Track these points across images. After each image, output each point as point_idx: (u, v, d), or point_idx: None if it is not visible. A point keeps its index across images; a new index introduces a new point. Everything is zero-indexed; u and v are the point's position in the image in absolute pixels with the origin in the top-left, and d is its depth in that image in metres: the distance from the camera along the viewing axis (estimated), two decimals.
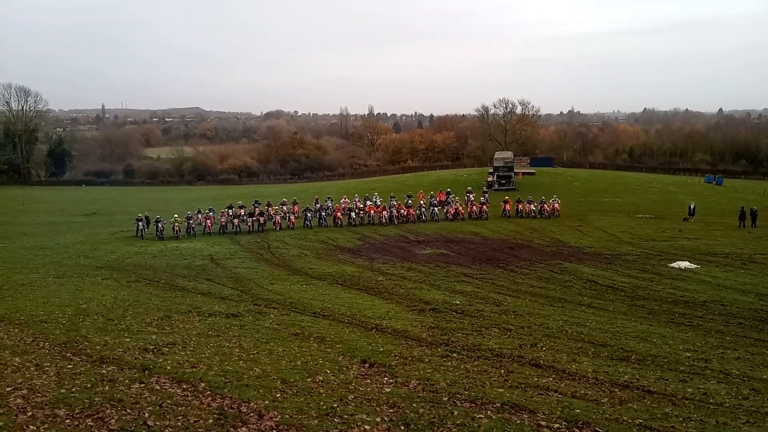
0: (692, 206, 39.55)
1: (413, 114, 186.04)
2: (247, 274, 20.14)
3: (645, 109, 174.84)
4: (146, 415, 6.32)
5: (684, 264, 21.48)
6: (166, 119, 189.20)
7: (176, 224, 31.00)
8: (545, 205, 37.51)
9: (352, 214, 35.04)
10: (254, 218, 33.88)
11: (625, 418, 6.62)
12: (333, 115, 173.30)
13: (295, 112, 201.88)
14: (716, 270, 20.52)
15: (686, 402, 7.59)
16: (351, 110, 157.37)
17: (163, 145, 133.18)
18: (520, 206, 38.44)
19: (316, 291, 16.99)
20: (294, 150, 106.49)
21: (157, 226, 31.17)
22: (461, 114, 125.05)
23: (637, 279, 19.01)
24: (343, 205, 38.59)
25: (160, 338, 10.28)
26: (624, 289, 17.42)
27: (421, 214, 36.61)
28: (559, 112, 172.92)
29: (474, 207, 37.17)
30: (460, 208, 37.01)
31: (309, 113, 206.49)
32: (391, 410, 6.75)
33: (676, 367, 9.55)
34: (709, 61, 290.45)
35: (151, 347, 9.50)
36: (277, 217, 34.42)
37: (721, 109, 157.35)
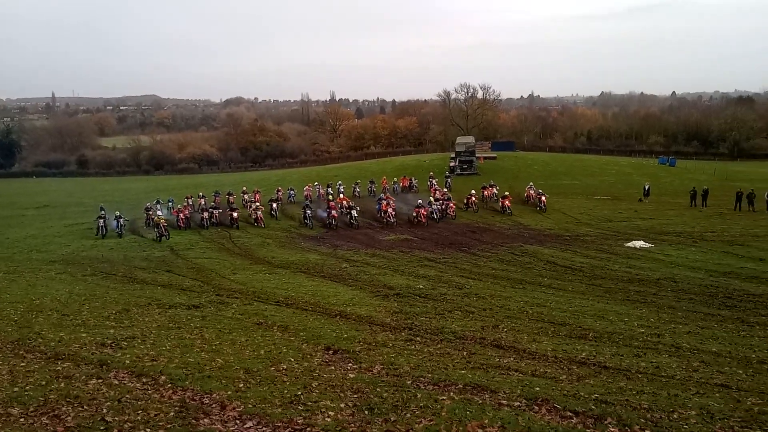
0: (647, 187, 40.82)
1: (376, 100, 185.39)
2: (209, 264, 19.84)
3: (602, 92, 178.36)
4: (104, 410, 6.18)
5: (639, 243, 22.15)
6: (121, 107, 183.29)
7: (162, 222, 26.31)
8: (531, 193, 35.63)
9: (354, 212, 28.77)
10: (227, 212, 31.00)
11: (582, 394, 6.82)
12: (294, 101, 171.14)
13: (256, 98, 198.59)
14: (669, 248, 21.23)
15: (640, 376, 7.86)
16: (312, 96, 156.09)
17: (118, 134, 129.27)
18: (486, 192, 36.98)
19: (280, 280, 16.87)
20: (255, 137, 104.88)
21: (117, 222, 27.78)
22: (423, 99, 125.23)
23: (595, 259, 19.51)
24: (340, 200, 34.51)
25: (119, 332, 10.05)
26: (582, 270, 17.86)
27: (432, 213, 29.74)
28: (519, 97, 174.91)
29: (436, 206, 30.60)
30: (452, 204, 31.17)
31: (270, 100, 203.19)
32: (355, 395, 6.78)
33: (630, 343, 9.88)
34: (663, 45, 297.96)
35: (109, 342, 9.29)
36: (259, 213, 30.64)
37: (674, 92, 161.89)
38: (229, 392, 6.78)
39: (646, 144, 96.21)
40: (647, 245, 21.85)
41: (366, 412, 6.14)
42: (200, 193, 40.33)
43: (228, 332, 10.34)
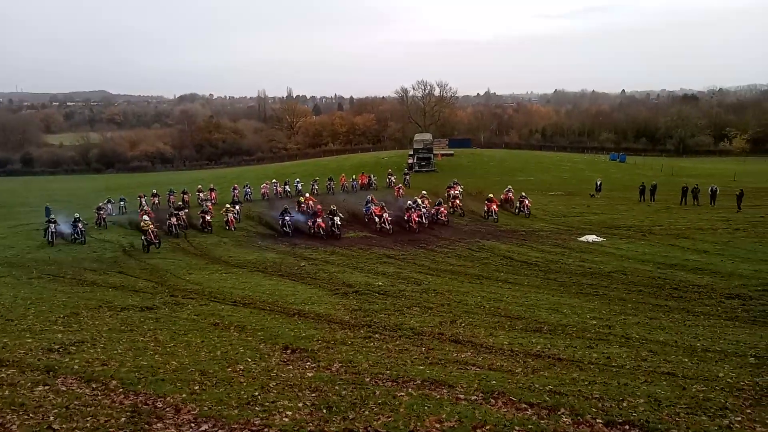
0: (599, 183, 42.09)
1: (333, 96, 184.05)
2: (163, 264, 19.36)
3: (556, 90, 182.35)
4: (51, 418, 5.95)
5: (592, 237, 22.79)
6: (68, 103, 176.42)
7: (150, 228, 22.75)
8: (510, 196, 32.70)
9: (337, 219, 24.68)
10: (199, 213, 27.98)
11: (537, 386, 6.96)
12: (250, 97, 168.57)
13: (211, 95, 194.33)
14: (620, 242, 21.92)
15: (592, 366, 8.08)
16: (269, 93, 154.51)
17: (65, 131, 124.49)
18: (451, 191, 33.51)
19: (237, 279, 16.61)
20: (210, 134, 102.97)
21: (75, 228, 25.02)
22: (381, 96, 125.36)
23: (550, 254, 19.96)
24: (306, 200, 32.18)
25: (67, 337, 9.69)
26: (538, 264, 18.25)
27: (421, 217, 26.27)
28: (476, 94, 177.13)
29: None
30: (443, 208, 27.87)
31: (225, 96, 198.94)
32: (314, 394, 6.74)
33: (583, 335, 10.15)
34: (613, 44, 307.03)
35: (57, 347, 8.94)
36: (230, 215, 27.96)
37: (623, 90, 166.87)
38: (184, 395, 6.63)
39: (598, 141, 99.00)
40: (599, 239, 22.49)
41: (324, 411, 6.11)
42: (153, 191, 39.36)
43: (183, 334, 10.11)
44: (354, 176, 46.24)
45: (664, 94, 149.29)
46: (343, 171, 50.61)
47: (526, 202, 29.72)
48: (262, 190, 42.23)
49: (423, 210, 26.32)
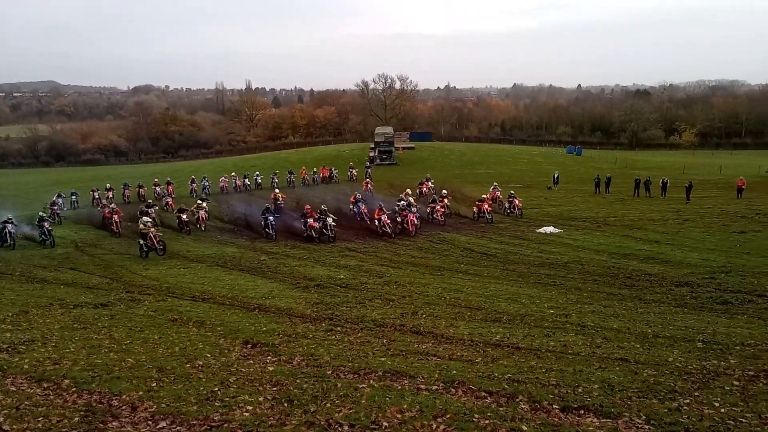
0: (556, 175, 43.04)
1: (293, 89, 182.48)
2: (118, 260, 18.85)
3: (515, 84, 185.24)
4: (1, 419, 5.73)
5: (549, 229, 23.29)
6: (15, 94, 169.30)
7: (152, 231, 19.58)
8: (498, 194, 30.60)
9: (329, 220, 22.07)
10: (176, 214, 25.83)
11: (496, 374, 7.09)
12: (208, 89, 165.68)
13: (167, 86, 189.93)
14: (576, 233, 22.48)
15: (549, 354, 8.28)
16: (227, 85, 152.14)
17: (12, 123, 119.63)
18: (424, 188, 33.05)
19: (195, 274, 16.31)
20: (166, 127, 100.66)
21: (41, 228, 22.37)
22: (342, 89, 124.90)
23: (509, 245, 20.31)
24: (274, 196, 30.51)
25: (16, 336, 9.33)
26: (497, 255, 18.54)
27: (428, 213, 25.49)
28: (436, 87, 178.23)
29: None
30: (438, 207, 25.95)
31: (182, 88, 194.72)
32: (275, 388, 6.69)
33: (541, 324, 10.38)
34: (570, 40, 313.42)
35: (5, 346, 8.60)
36: (201, 213, 25.88)
37: (579, 85, 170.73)
38: (141, 392, 6.48)
39: (555, 134, 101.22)
40: (557, 230, 23.01)
41: (285, 405, 6.07)
42: (107, 185, 38.24)
43: (139, 330, 9.87)
44: (315, 169, 46.01)
45: (618, 89, 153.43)
46: (303, 164, 50.31)
47: (516, 202, 27.71)
48: (221, 184, 41.56)
49: (414, 210, 23.92)
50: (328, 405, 6.01)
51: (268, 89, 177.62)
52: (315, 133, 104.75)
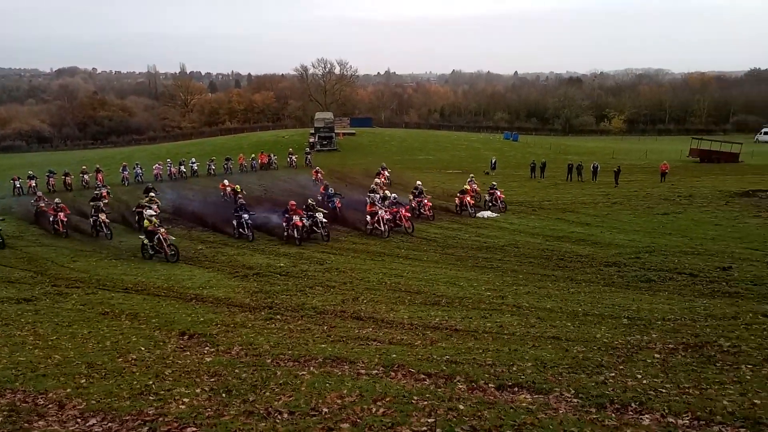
0: (494, 161, 44.04)
1: (230, 73, 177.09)
2: (43, 252, 17.91)
3: (454, 70, 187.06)
4: None
5: (487, 213, 23.85)
6: None
7: (162, 232, 16.60)
8: (475, 187, 27.50)
9: (320, 215, 19.27)
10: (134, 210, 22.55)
11: (435, 356, 7.23)
12: (139, 73, 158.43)
13: (94, 69, 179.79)
14: (513, 217, 23.13)
15: (486, 335, 8.52)
16: (160, 68, 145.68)
17: None
18: (380, 178, 30.19)
19: (128, 265, 15.72)
20: (94, 112, 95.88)
21: None
22: (281, 74, 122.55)
23: (448, 230, 20.66)
24: (223, 186, 27.97)
25: None
26: (436, 240, 18.83)
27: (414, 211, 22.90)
28: (376, 73, 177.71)
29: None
30: (426, 200, 23.66)
31: (110, 71, 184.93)
32: (212, 379, 6.57)
33: (478, 306, 10.65)
34: (507, 28, 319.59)
35: None
36: (155, 211, 19.68)
37: (516, 72, 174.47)
38: (69, 390, 6.22)
39: (493, 120, 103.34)
40: (494, 215, 23.60)
41: (223, 395, 5.98)
42: (30, 173, 36.12)
43: (67, 325, 9.45)
44: (253, 155, 45.06)
45: (552, 77, 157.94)
46: (241, 150, 49.20)
47: (498, 193, 25.32)
48: (155, 171, 40.04)
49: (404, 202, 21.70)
50: (268, 393, 5.97)
51: (203, 73, 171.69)
52: (253, 118, 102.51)
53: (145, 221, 17.40)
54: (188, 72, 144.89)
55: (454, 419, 5.11)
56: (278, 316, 10.13)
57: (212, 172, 40.02)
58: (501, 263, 15.20)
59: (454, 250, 17.17)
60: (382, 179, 30.79)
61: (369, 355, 7.37)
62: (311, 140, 57.91)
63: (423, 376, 6.49)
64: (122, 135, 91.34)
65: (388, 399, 5.71)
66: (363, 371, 6.73)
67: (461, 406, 5.46)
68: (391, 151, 58.82)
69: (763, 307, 9.78)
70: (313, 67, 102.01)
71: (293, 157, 44.88)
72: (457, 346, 7.93)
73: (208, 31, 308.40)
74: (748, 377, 6.14)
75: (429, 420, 5.08)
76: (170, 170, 40.28)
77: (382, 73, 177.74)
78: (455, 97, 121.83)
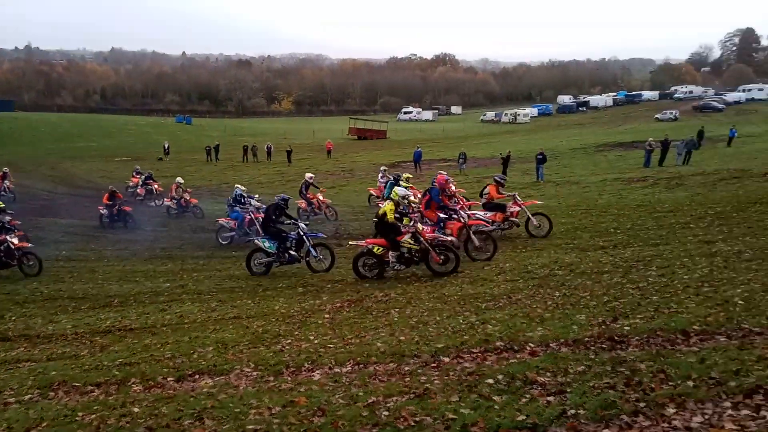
0: (166, 145, 41.92)
1: None
2: None
3: (113, 48, 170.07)
4: None
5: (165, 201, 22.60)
6: None
7: None
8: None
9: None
10: None
11: (106, 363, 6.55)
12: None
13: None
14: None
15: (164, 329, 8.09)
16: None
17: None
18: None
19: None
20: None
21: None
22: None
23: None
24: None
25: None
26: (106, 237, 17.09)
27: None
28: (13, 47, 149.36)
29: None
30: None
31: None
32: None
33: (156, 299, 10.05)
34: (175, 5, 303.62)
35: None
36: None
37: (184, 53, 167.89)
38: None
39: (163, 103, 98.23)
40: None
41: None
42: None
43: None
44: None
45: (222, 58, 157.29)
46: None
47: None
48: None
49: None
50: None
51: None
52: None
53: None
54: None
55: (127, 425, 4.73)
56: None
57: None
58: (180, 251, 14.65)
59: (126, 244, 15.83)
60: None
61: (20, 380, 6.26)
62: None
63: (91, 387, 5.81)
64: None
65: (45, 424, 4.95)
66: (12, 399, 5.69)
67: (136, 409, 5.07)
68: (42, 139, 50.60)
69: None
70: None
71: None
72: (132, 346, 7.34)
73: None
74: (396, 319, 7.26)
75: None
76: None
77: (21, 47, 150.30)
78: (117, 76, 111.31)
